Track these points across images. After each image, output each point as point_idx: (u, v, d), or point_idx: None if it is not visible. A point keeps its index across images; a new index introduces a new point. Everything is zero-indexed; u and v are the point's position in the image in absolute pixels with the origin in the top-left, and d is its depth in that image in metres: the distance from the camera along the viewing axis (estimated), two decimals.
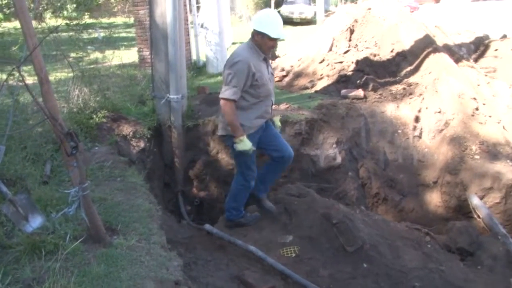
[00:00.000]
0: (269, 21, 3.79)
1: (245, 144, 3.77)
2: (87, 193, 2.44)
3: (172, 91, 5.04)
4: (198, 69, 9.46)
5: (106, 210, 3.06)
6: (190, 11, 10.06)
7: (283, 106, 5.73)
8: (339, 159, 5.21)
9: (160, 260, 2.62)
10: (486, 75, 6.73)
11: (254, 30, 3.80)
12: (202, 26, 9.38)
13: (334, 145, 5.24)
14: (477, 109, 5.67)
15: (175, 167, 5.28)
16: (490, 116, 5.67)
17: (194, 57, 10.01)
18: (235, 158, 4.17)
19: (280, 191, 4.72)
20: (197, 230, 4.51)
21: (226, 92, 3.74)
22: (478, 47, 7.79)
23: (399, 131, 5.72)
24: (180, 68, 5.12)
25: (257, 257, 3.72)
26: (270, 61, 4.58)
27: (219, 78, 8.44)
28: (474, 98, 5.79)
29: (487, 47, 7.67)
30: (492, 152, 5.26)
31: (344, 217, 3.95)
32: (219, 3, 9.02)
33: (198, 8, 10.05)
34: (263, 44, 3.84)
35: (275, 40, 3.85)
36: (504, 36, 8.09)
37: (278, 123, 4.30)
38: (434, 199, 5.38)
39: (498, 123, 5.69)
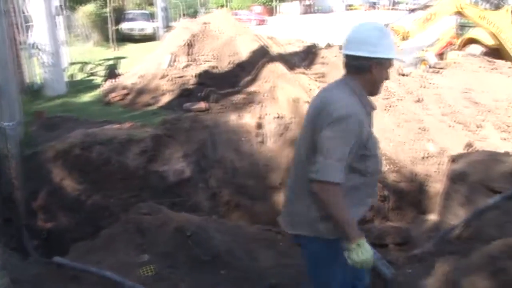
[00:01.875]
0: (384, 37, 2.27)
1: (365, 249, 2.16)
2: None
3: (5, 118, 4.63)
4: (34, 92, 8.82)
5: None
6: (20, 30, 9.35)
7: (126, 125, 5.60)
8: (188, 172, 5.23)
9: None
10: (316, 80, 7.27)
11: (368, 58, 2.22)
12: (34, 46, 8.77)
13: (182, 159, 5.25)
14: None
15: (15, 200, 4.85)
16: None
17: (28, 79, 9.33)
18: (315, 273, 2.47)
19: (131, 211, 4.58)
20: (47, 264, 4.18)
21: (327, 171, 2.12)
22: (308, 55, 8.41)
23: (244, 138, 5.92)
24: (12, 92, 4.73)
25: (114, 282, 3.55)
26: None
27: (58, 100, 7.98)
28: (308, 102, 6.22)
29: (315, 54, 8.31)
30: None
31: (198, 228, 3.95)
32: (52, 22, 8.53)
33: (29, 27, 9.38)
34: (379, 79, 2.32)
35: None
36: (329, 45, 8.85)
37: None
38: (282, 200, 5.64)
39: None
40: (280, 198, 5.64)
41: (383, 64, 2.27)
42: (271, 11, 70.88)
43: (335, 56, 7.94)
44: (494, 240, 2.99)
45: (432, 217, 5.68)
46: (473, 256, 3.04)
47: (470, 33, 13.94)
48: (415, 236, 4.72)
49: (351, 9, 74.62)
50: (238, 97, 6.45)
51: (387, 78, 2.33)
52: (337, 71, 7.50)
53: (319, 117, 2.20)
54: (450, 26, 15.15)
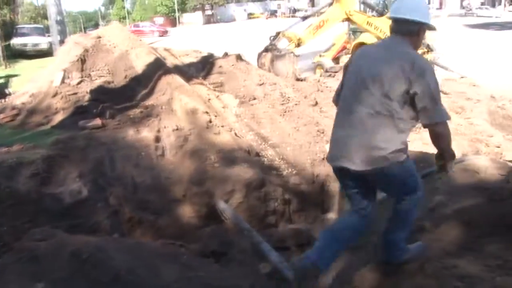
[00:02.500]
0: (428, 7, 2.99)
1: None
2: None
3: None
4: None
5: None
6: None
7: (16, 148, 5.30)
8: (85, 192, 5.04)
9: None
10: (215, 90, 7.34)
11: (419, 23, 2.82)
12: None
13: (78, 179, 5.06)
14: (210, 121, 6.13)
15: None
16: (222, 126, 6.20)
17: None
18: (398, 185, 2.93)
19: (24, 238, 4.33)
20: None
21: (445, 114, 2.75)
22: (205, 65, 8.46)
23: (143, 153, 5.82)
24: None
25: None
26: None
27: None
28: (207, 112, 6.25)
29: (212, 64, 8.38)
30: (229, 158, 5.75)
31: (96, 250, 3.81)
32: None
33: None
34: (419, 43, 3.01)
35: None
36: (226, 54, 8.96)
37: None
38: (187, 211, 5.60)
39: (230, 131, 6.25)
40: (183, 210, 5.60)
41: (425, 30, 2.90)
42: (173, 22, 70.52)
43: (232, 65, 8.06)
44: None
45: (332, 215, 5.92)
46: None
47: (360, 38, 14.71)
48: (316, 236, 4.89)
49: (253, 18, 75.94)
50: (135, 112, 6.34)
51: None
52: (235, 81, 7.62)
53: (402, 71, 2.69)
54: (343, 32, 15.91)
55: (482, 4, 75.68)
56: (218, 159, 5.70)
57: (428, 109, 2.68)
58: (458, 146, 8.89)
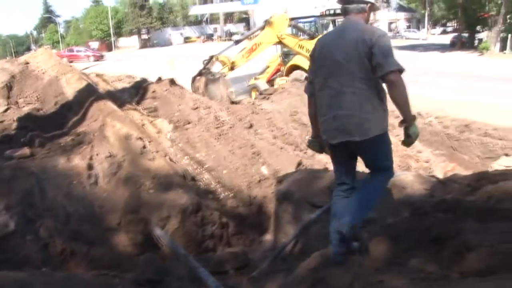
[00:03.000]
0: None
1: (416, 125, 3.25)
2: None
3: None
4: None
5: None
6: None
7: None
8: (12, 226, 4.83)
9: None
10: (148, 115, 7.28)
11: (366, 2, 3.37)
12: None
13: (4, 212, 4.84)
14: (144, 147, 6.07)
15: None
16: (157, 152, 6.15)
17: None
18: (381, 159, 3.30)
19: None
20: None
21: (396, 63, 3.06)
22: (139, 90, 8.38)
23: (75, 181, 5.66)
24: None
25: None
26: None
27: None
28: (140, 138, 6.19)
29: (146, 89, 8.32)
30: (164, 183, 5.69)
31: (21, 286, 3.66)
32: None
33: None
34: (368, 20, 3.48)
35: None
36: (160, 79, 8.93)
37: None
38: (122, 240, 5.48)
39: (165, 156, 6.21)
40: (119, 239, 5.48)
41: (371, 10, 3.40)
42: (109, 46, 69.46)
43: (166, 90, 8.04)
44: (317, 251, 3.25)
45: (269, 237, 5.97)
46: (296, 270, 3.25)
47: (293, 61, 15.07)
48: (254, 258, 4.91)
49: (189, 42, 76.12)
50: (66, 139, 6.17)
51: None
52: (169, 105, 7.60)
53: (362, 42, 3.09)
54: (276, 54, 16.24)
55: (408, 27, 79.70)
56: (153, 185, 5.64)
57: (381, 63, 3.03)
58: None
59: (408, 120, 3.15)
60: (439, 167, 10.39)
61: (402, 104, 3.11)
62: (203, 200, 5.84)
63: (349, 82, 3.16)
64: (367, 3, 3.36)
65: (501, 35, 41.82)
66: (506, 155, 11.27)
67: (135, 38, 76.98)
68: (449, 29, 67.61)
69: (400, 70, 3.05)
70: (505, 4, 41.10)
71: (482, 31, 52.95)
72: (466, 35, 51.47)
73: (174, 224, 5.37)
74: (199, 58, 15.44)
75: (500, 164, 10.26)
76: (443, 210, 2.67)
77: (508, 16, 43.51)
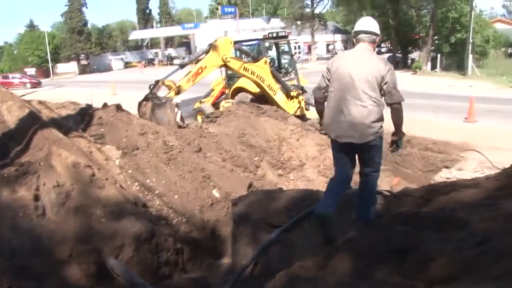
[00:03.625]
0: None
1: None
2: None
3: None
4: None
5: None
6: None
7: None
8: None
9: None
10: (96, 142, 7.11)
11: (378, 34, 4.64)
12: None
13: None
14: (93, 175, 5.91)
15: None
16: (106, 179, 6.00)
17: None
18: (376, 159, 4.66)
19: None
20: None
21: (401, 96, 4.37)
22: (84, 117, 8.19)
23: (20, 214, 5.43)
24: None
25: None
26: None
27: None
28: (89, 166, 6.02)
29: (91, 116, 8.14)
30: (116, 211, 5.57)
31: None
32: None
33: None
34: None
35: None
36: (105, 105, 8.76)
37: None
38: (74, 272, 5.28)
39: (115, 183, 6.08)
40: (70, 271, 5.28)
41: (378, 40, 4.62)
42: (46, 73, 67.48)
43: (112, 116, 7.90)
44: (280, 271, 3.26)
45: (226, 260, 5.94)
46: None
47: (238, 83, 15.21)
48: (213, 283, 4.87)
49: (130, 67, 75.33)
50: (9, 170, 5.89)
51: None
52: (116, 132, 7.47)
53: (377, 70, 4.27)
54: (220, 77, 16.36)
55: (345, 48, 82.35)
56: (104, 214, 5.50)
57: (392, 93, 4.29)
58: None
59: (400, 136, 4.53)
60: (385, 181, 10.70)
61: (399, 124, 4.44)
62: (156, 226, 5.75)
63: (361, 97, 4.28)
64: (377, 35, 4.59)
65: (431, 54, 44.19)
66: (446, 167, 11.80)
67: (73, 64, 75.31)
68: (384, 49, 70.62)
69: (402, 101, 4.34)
70: (432, 27, 43.51)
71: (414, 52, 55.67)
72: (399, 55, 53.85)
73: (128, 253, 5.25)
74: (141, 83, 15.30)
75: (442, 177, 10.74)
76: (401, 222, 2.76)
77: (435, 38, 46.09)
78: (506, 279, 1.76)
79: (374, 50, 4.67)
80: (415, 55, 53.36)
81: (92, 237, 5.27)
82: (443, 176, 11.15)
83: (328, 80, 4.64)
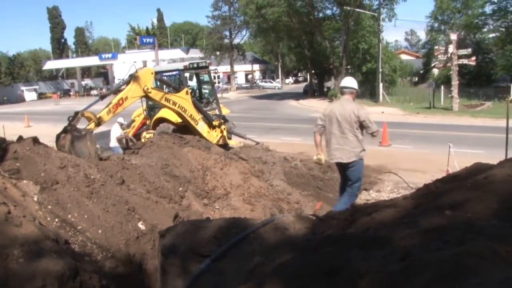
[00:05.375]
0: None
1: None
2: None
3: None
4: None
5: None
6: None
7: None
8: None
9: None
10: (11, 177, 6.76)
11: (356, 89, 7.84)
12: None
13: None
14: (9, 212, 5.59)
15: None
16: (24, 216, 5.70)
17: None
18: (358, 175, 7.63)
19: None
20: None
21: (376, 126, 7.56)
22: None
23: None
24: None
25: None
26: None
27: None
28: (4, 203, 5.70)
29: (6, 150, 7.72)
30: (35, 250, 5.28)
31: None
32: None
33: None
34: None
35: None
36: (21, 138, 8.35)
37: None
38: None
39: (34, 220, 5.78)
40: None
41: (356, 93, 7.89)
42: None
43: (29, 149, 7.55)
44: None
45: None
46: None
47: (159, 114, 15.13)
48: None
49: (44, 98, 72.60)
50: None
51: None
52: (33, 166, 7.14)
53: (355, 113, 7.32)
54: (141, 108, 16.18)
55: (264, 77, 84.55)
56: (22, 254, 5.19)
57: (369, 126, 7.33)
58: (263, 208, 9.56)
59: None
60: (308, 206, 10.98)
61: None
62: (79, 263, 5.51)
63: (346, 131, 7.23)
64: (355, 89, 7.72)
65: None
66: (365, 189, 12.32)
67: None
68: (301, 78, 73.39)
69: (378, 130, 7.52)
70: (345, 57, 45.87)
71: (329, 80, 58.22)
72: (315, 82, 56.04)
73: None
74: (56, 114, 14.75)
75: (362, 199, 11.21)
76: (329, 244, 2.86)
77: (348, 67, 48.61)
78: None
79: (354, 98, 7.73)
80: (330, 83, 55.73)
81: (9, 279, 4.96)
82: (363, 198, 11.64)
83: (323, 121, 7.63)
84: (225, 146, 15.01)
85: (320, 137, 7.94)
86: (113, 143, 15.19)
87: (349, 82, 7.75)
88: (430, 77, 56.79)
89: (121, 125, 15.14)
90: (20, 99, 72.86)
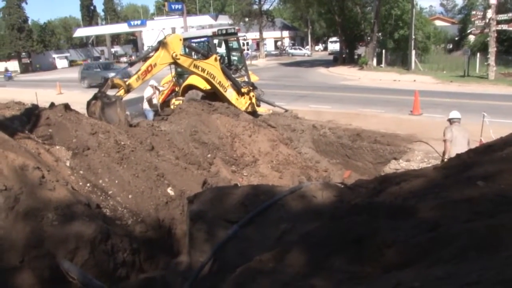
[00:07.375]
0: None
1: None
2: None
3: None
4: None
5: None
6: None
7: None
8: None
9: None
10: (44, 143, 6.92)
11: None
12: None
13: None
14: (43, 177, 5.74)
15: None
16: (57, 181, 5.85)
17: None
18: None
19: None
20: None
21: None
22: (31, 118, 7.93)
23: None
24: None
25: None
26: None
27: None
28: (38, 168, 5.85)
29: (38, 116, 7.89)
30: (68, 214, 5.44)
31: None
32: None
33: None
34: None
35: None
36: (53, 104, 8.51)
37: None
38: (27, 278, 5.12)
39: (66, 185, 5.93)
40: (23, 278, 5.11)
41: None
42: None
43: (61, 116, 7.69)
44: (238, 267, 3.29)
45: (184, 258, 5.92)
46: (223, 286, 3.27)
47: (188, 80, 15.12)
48: (171, 281, 4.85)
49: (75, 65, 73.29)
50: None
51: None
52: (65, 132, 7.28)
53: (467, 133, 10.03)
54: (169, 75, 16.19)
55: (293, 45, 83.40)
56: (56, 217, 5.35)
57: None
58: (291, 175, 9.58)
59: None
60: (337, 174, 10.95)
61: None
62: (111, 227, 5.67)
63: (463, 144, 9.32)
64: (459, 119, 9.77)
65: (377, 50, 45.41)
66: (395, 159, 12.20)
67: (15, 62, 72.56)
68: (334, 40, 71.93)
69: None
70: (377, 23, 44.70)
71: (360, 47, 57.02)
72: (344, 50, 54.99)
73: (83, 256, 5.14)
74: None
75: (391, 168, 11.11)
76: (356, 212, 2.85)
77: (379, 34, 47.41)
78: (455, 261, 1.87)
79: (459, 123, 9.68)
80: (361, 50, 54.63)
81: (44, 241, 5.13)
82: (392, 167, 11.53)
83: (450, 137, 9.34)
84: (253, 113, 14.98)
85: None
86: (146, 105, 15.38)
87: (457, 114, 9.89)
88: (466, 44, 54.82)
89: (154, 87, 15.25)
90: (52, 67, 73.90)
